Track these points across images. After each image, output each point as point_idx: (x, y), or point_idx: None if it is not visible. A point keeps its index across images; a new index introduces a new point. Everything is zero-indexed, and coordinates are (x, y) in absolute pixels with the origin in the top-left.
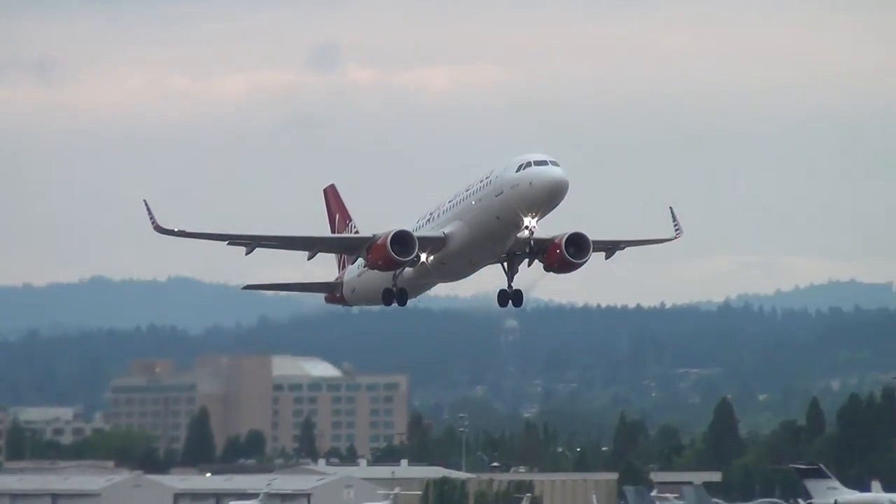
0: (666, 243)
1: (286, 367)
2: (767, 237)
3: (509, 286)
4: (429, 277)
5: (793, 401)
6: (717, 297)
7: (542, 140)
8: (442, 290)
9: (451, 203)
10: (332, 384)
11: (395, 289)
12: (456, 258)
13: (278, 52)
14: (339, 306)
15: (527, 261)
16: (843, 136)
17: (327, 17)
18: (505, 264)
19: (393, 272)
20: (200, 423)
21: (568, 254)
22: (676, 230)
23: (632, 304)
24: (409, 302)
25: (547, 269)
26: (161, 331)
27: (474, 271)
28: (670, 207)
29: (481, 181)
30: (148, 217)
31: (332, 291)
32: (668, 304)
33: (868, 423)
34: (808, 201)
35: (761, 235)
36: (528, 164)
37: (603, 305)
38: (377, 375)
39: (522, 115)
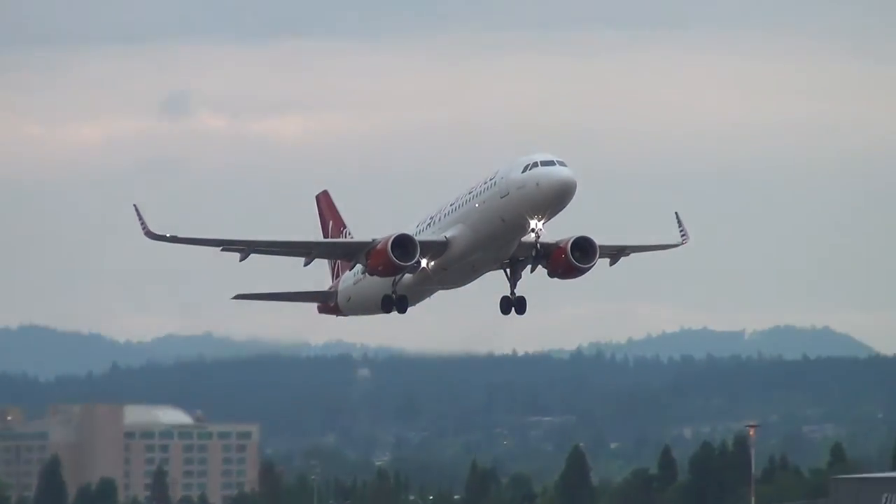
0: (673, 249)
1: (138, 414)
2: (619, 285)
3: (512, 293)
4: (429, 284)
5: (645, 449)
6: (569, 345)
7: (388, 186)
8: (292, 336)
9: (454, 206)
10: (183, 432)
11: (394, 295)
12: (458, 263)
13: (133, 100)
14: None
15: (530, 266)
16: (696, 184)
17: (181, 66)
18: (507, 270)
19: (392, 278)
20: (52, 472)
21: (574, 258)
22: (683, 236)
23: (484, 352)
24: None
25: (551, 274)
26: (12, 379)
27: (476, 277)
28: (675, 213)
29: (485, 182)
30: (139, 223)
31: (326, 301)
32: (521, 352)
33: (720, 472)
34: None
35: (613, 283)
36: (535, 164)
37: (455, 353)
38: (229, 423)
39: (377, 162)
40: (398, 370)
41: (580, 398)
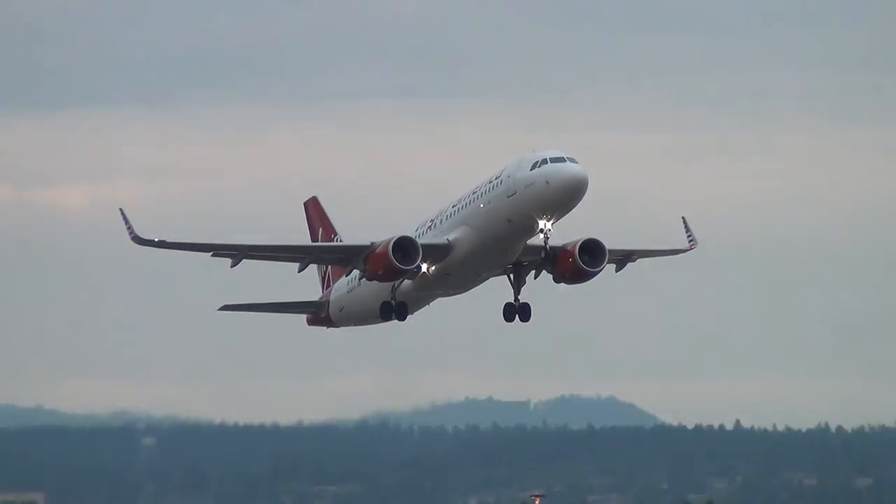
0: (681, 254)
1: None
2: (403, 353)
3: (516, 299)
4: (429, 290)
5: None
6: (354, 415)
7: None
8: (77, 405)
9: (456, 207)
10: None
11: (394, 302)
12: (460, 268)
13: None
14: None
15: (534, 272)
16: None
17: None
18: (511, 275)
19: (392, 284)
20: None
21: (582, 262)
22: (690, 241)
23: (269, 422)
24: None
25: (557, 279)
26: None
27: (478, 283)
28: (682, 217)
29: (490, 182)
30: (126, 227)
31: (317, 312)
32: (306, 422)
33: None
34: (444, 316)
35: (398, 352)
36: (544, 161)
37: (241, 423)
38: (14, 492)
39: (167, 230)
40: (183, 439)
41: (365, 467)
